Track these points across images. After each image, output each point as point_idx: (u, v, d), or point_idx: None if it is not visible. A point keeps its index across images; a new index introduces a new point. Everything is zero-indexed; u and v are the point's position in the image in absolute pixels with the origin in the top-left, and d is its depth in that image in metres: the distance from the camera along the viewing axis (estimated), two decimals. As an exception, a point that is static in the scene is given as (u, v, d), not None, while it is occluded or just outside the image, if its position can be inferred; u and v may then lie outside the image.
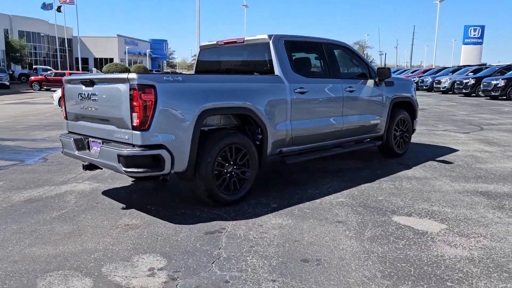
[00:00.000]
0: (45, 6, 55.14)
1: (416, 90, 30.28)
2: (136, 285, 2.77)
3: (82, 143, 4.52)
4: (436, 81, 27.84)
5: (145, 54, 79.68)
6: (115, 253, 3.28)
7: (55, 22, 56.86)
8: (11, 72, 38.61)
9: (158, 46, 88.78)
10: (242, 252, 3.27)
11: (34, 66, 49.06)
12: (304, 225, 3.85)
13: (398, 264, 3.04)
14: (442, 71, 32.04)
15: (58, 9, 55.62)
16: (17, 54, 46.69)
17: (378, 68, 6.19)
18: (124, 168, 3.81)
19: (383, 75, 6.09)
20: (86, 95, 4.32)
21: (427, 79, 30.23)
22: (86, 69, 62.71)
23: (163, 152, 3.83)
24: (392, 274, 2.90)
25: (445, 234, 3.61)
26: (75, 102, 4.57)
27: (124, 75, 3.77)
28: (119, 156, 3.80)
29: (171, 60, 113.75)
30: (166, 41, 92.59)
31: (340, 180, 5.45)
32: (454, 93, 25.71)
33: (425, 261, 3.10)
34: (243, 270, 2.96)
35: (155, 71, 62.09)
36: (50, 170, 6.17)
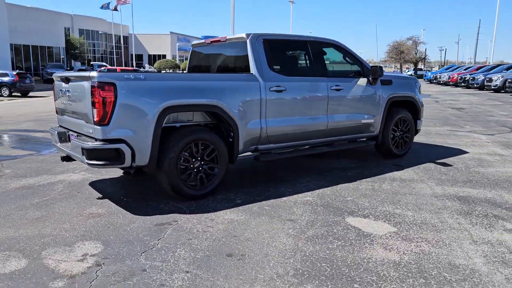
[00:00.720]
0: (103, 6, 58.11)
1: (467, 88, 29.03)
2: (62, 268, 3.00)
3: (64, 136, 4.86)
4: (487, 79, 26.29)
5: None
6: (64, 238, 3.54)
7: (112, 20, 59.69)
8: (67, 68, 40.99)
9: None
10: (176, 244, 3.41)
11: (91, 63, 51.87)
12: (253, 221, 3.92)
13: (318, 264, 3.05)
14: (496, 68, 30.14)
15: (115, 8, 58.38)
16: (77, 51, 49.56)
17: (371, 66, 6.07)
18: (86, 160, 4.08)
19: (374, 73, 5.96)
20: (64, 91, 4.65)
21: (478, 77, 28.59)
22: (140, 65, 65.36)
23: (122, 146, 4.05)
24: (305, 272, 2.92)
25: (388, 237, 3.54)
26: (59, 98, 4.92)
27: (87, 73, 4.03)
28: (82, 148, 4.08)
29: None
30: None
31: (321, 179, 5.43)
32: (506, 91, 24.17)
33: (348, 262, 3.08)
34: (165, 261, 3.10)
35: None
36: (57, 161, 6.62)
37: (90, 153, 4.04)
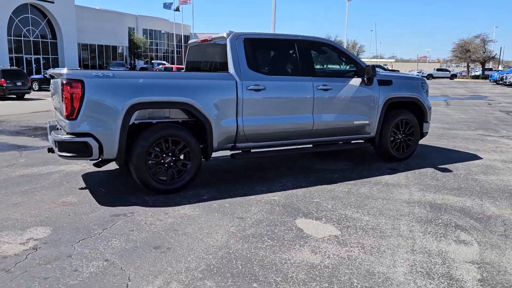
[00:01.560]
0: (166, 5, 60.58)
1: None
2: (2, 249, 3.28)
3: (53, 129, 5.24)
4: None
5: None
6: (23, 223, 3.85)
7: (174, 20, 61.97)
8: (128, 66, 43.22)
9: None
10: (116, 234, 3.59)
11: (152, 61, 54.27)
12: (204, 217, 4.01)
13: (234, 261, 3.08)
14: None
15: (177, 9, 60.62)
16: (139, 50, 52.09)
17: (365, 66, 5.89)
18: (58, 152, 4.39)
19: (367, 73, 5.78)
20: (51, 87, 5.02)
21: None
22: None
23: (90, 140, 4.31)
24: (214, 269, 2.97)
25: (325, 241, 3.48)
26: (52, 94, 5.31)
27: (59, 70, 4.33)
28: (54, 141, 4.39)
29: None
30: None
31: (303, 179, 5.38)
32: None
33: (265, 262, 3.08)
34: (94, 249, 3.29)
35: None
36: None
37: (61, 145, 4.34)
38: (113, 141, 4.41)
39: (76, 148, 4.34)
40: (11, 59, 33.65)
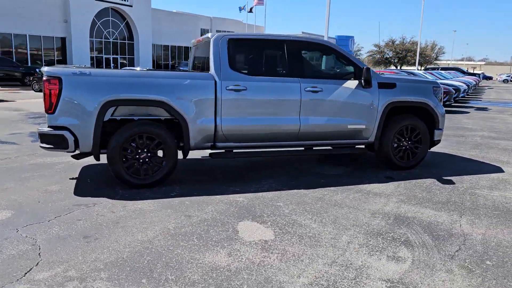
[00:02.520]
0: (241, 9, 61.98)
1: None
2: (-43, 227, 3.65)
3: None
4: None
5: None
6: (-4, 206, 4.24)
7: (246, 21, 63.14)
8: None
9: (344, 42, 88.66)
10: (63, 222, 3.81)
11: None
12: (154, 213, 4.11)
13: (144, 257, 3.15)
14: None
15: (250, 10, 61.72)
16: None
17: (362, 68, 5.62)
18: (40, 144, 4.75)
19: (362, 75, 5.50)
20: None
21: None
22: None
23: (66, 133, 4.61)
24: (120, 261, 3.06)
25: (250, 244, 3.41)
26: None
27: (43, 68, 4.68)
28: (38, 133, 4.76)
29: (358, 57, 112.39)
30: (352, 37, 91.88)
31: (284, 183, 5.28)
32: None
33: (174, 260, 3.10)
34: (31, 234, 3.53)
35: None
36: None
37: (41, 137, 4.70)
38: (88, 135, 4.68)
39: (54, 140, 4.66)
40: (92, 58, 36.55)
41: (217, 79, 5.06)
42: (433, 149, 7.57)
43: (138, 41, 40.28)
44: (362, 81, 5.62)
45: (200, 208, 4.27)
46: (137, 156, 4.89)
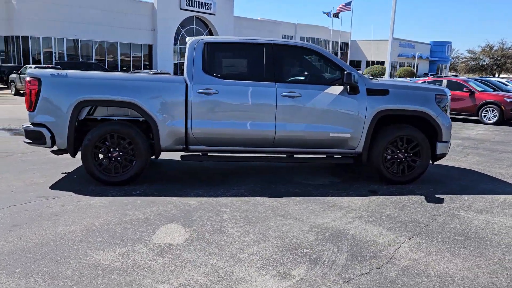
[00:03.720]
0: (325, 13, 61.43)
1: None
2: None
3: None
4: None
5: (422, 57, 76.78)
6: (-26, 192, 4.73)
7: (331, 27, 62.34)
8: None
9: (440, 48, 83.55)
10: (11, 211, 4.13)
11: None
12: (96, 209, 4.26)
13: (42, 248, 3.30)
14: None
15: (335, 15, 60.83)
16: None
17: (344, 73, 5.28)
18: (23, 139, 5.21)
19: (345, 80, 5.17)
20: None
21: None
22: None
23: (43, 130, 5.00)
24: (18, 251, 3.25)
25: (152, 247, 3.40)
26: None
27: (27, 70, 5.13)
28: (23, 129, 5.22)
29: (456, 64, 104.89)
30: (449, 43, 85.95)
31: (254, 189, 5.15)
32: None
33: (66, 255, 3.22)
34: (-26, 218, 3.89)
35: (431, 75, 59.55)
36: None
37: (25, 133, 5.14)
38: (63, 132, 5.02)
39: (33, 136, 5.07)
40: (175, 65, 38.84)
41: (188, 82, 5.12)
42: (461, 164, 6.89)
43: (219, 47, 41.79)
44: (348, 86, 5.28)
45: (143, 208, 4.35)
46: (109, 155, 5.11)
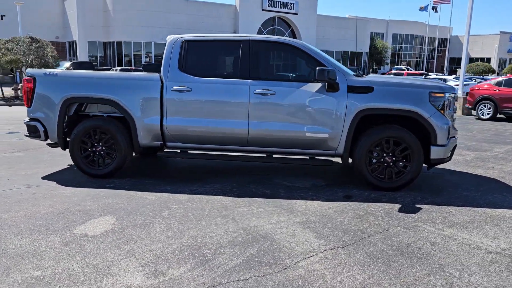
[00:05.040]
0: (421, 8, 57.69)
1: None
2: None
3: None
4: None
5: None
6: (-23, 178, 5.38)
7: (428, 22, 58.39)
8: (360, 72, 43.32)
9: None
10: (-13, 195, 4.64)
11: (395, 66, 52.80)
12: (58, 198, 4.58)
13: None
14: None
15: (434, 9, 56.78)
16: (380, 56, 51.74)
17: (317, 69, 4.97)
18: (25, 133, 5.77)
19: (322, 77, 4.88)
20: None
21: None
22: (456, 69, 61.16)
23: (38, 124, 5.50)
24: (-49, 230, 3.64)
25: (65, 236, 3.57)
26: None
27: (26, 70, 5.66)
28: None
29: None
30: None
31: (223, 189, 5.10)
32: None
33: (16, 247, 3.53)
34: (-49, 200, 4.44)
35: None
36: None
37: (26, 127, 5.69)
38: (53, 127, 5.46)
39: (31, 129, 5.60)
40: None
41: (164, 80, 5.24)
42: (490, 172, 6.17)
43: (301, 47, 41.55)
44: (326, 84, 4.98)
45: (99, 200, 4.56)
46: (93, 149, 5.45)
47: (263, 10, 38.06)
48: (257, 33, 38.77)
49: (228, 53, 5.39)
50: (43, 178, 5.45)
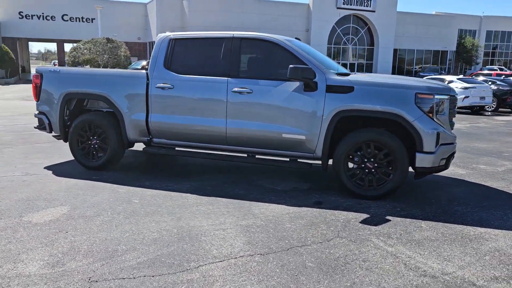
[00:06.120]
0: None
1: None
2: None
3: None
4: None
5: None
6: (-9, 164, 5.96)
7: (529, 19, 52.73)
8: (443, 72, 40.04)
9: None
10: (-17, 180, 5.12)
11: (483, 67, 48.38)
12: (39, 185, 4.90)
13: None
14: None
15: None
16: (469, 54, 47.78)
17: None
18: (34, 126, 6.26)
19: (296, 75, 4.67)
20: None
21: None
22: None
23: (43, 117, 5.95)
24: None
25: (13, 224, 3.81)
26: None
27: (36, 67, 6.13)
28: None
29: None
30: None
31: (197, 187, 5.10)
32: None
33: None
34: (-49, 183, 4.96)
35: None
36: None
37: (37, 120, 6.17)
38: (55, 120, 5.86)
39: (39, 123, 6.06)
40: (329, 64, 38.69)
41: (150, 77, 5.36)
42: (497, 184, 5.45)
43: (378, 46, 39.99)
44: (303, 83, 4.75)
45: (71, 190, 4.79)
46: (88, 142, 5.75)
47: (337, 8, 37.14)
48: (330, 32, 37.96)
49: (212, 50, 5.33)
50: (45, 167, 5.86)
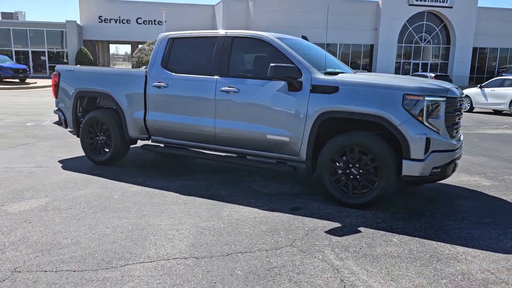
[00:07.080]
0: None
1: None
2: (-32, 161, 6.03)
3: None
4: None
5: None
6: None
7: None
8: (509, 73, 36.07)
9: None
10: (-3, 170, 5.57)
11: None
12: (38, 177, 5.22)
13: None
14: None
15: None
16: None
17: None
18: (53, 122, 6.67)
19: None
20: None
21: None
22: None
23: (60, 114, 6.34)
24: None
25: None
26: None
27: (56, 66, 6.52)
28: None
29: None
30: None
31: (186, 185, 5.10)
32: None
33: None
34: (-32, 171, 5.46)
35: None
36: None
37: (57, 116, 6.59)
38: (69, 117, 6.22)
39: (58, 118, 6.46)
40: (398, 64, 36.90)
41: (148, 76, 5.48)
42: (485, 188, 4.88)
43: (455, 45, 37.39)
44: (287, 82, 4.56)
45: (66, 183, 5.02)
46: (96, 138, 6.02)
47: (409, 5, 35.27)
48: (401, 30, 36.17)
49: (206, 49, 5.29)
50: (59, 161, 6.22)
